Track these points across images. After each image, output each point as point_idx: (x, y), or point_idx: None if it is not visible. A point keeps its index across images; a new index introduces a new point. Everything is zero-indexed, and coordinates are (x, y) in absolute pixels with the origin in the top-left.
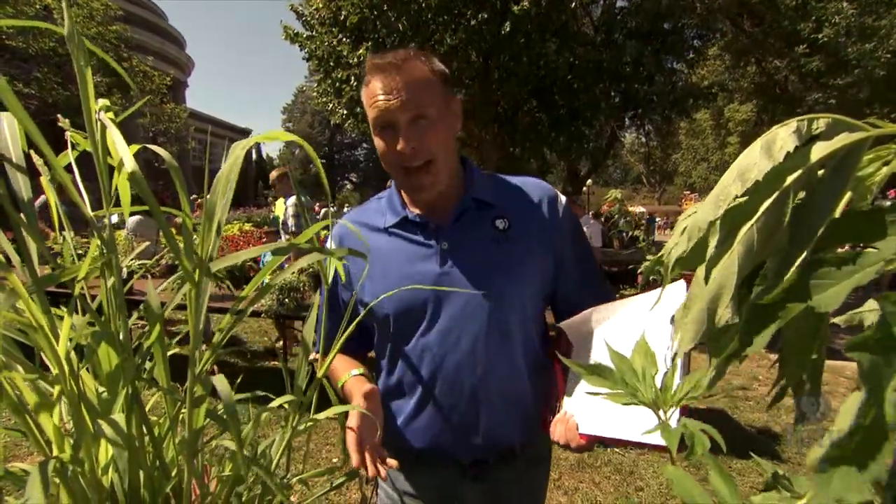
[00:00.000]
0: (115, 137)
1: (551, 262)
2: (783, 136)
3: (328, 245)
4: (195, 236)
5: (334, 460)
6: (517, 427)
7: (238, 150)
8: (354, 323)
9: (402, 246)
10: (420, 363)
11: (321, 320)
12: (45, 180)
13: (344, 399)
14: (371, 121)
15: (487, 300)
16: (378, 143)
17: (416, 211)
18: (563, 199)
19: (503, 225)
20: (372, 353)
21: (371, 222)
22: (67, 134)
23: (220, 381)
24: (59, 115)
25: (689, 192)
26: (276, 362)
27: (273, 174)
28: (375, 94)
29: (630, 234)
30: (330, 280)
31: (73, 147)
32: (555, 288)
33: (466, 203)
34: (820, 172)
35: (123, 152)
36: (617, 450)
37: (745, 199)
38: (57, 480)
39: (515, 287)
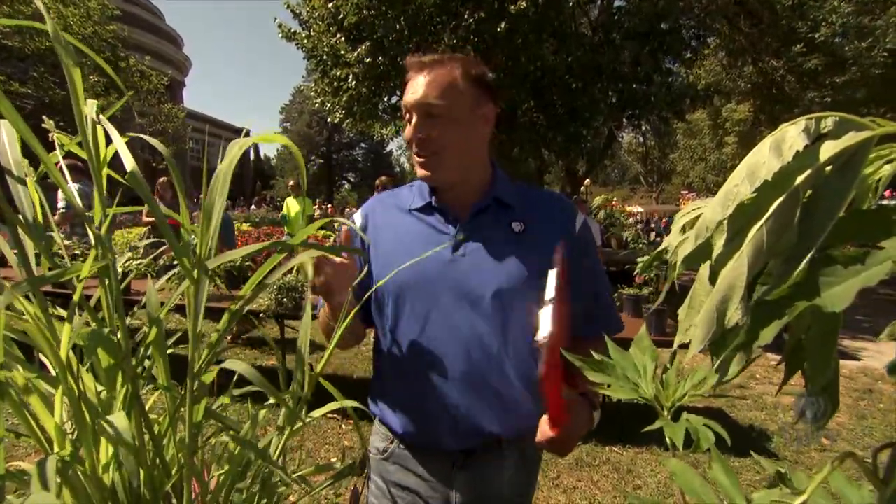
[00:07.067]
0: (115, 140)
1: None
2: (792, 135)
3: (355, 215)
4: (194, 235)
5: (332, 459)
6: (504, 419)
7: (235, 150)
8: (366, 297)
9: (420, 228)
10: (416, 345)
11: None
12: (30, 181)
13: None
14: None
15: (491, 294)
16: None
17: (443, 202)
18: (581, 216)
19: (519, 228)
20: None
21: (400, 203)
22: (52, 135)
23: (237, 364)
24: (44, 117)
25: (686, 192)
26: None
27: (290, 184)
28: (406, 86)
29: (625, 236)
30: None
31: (61, 147)
32: None
33: (487, 200)
34: (826, 170)
35: (123, 152)
36: (615, 448)
37: (753, 197)
38: (58, 479)
39: (519, 288)
